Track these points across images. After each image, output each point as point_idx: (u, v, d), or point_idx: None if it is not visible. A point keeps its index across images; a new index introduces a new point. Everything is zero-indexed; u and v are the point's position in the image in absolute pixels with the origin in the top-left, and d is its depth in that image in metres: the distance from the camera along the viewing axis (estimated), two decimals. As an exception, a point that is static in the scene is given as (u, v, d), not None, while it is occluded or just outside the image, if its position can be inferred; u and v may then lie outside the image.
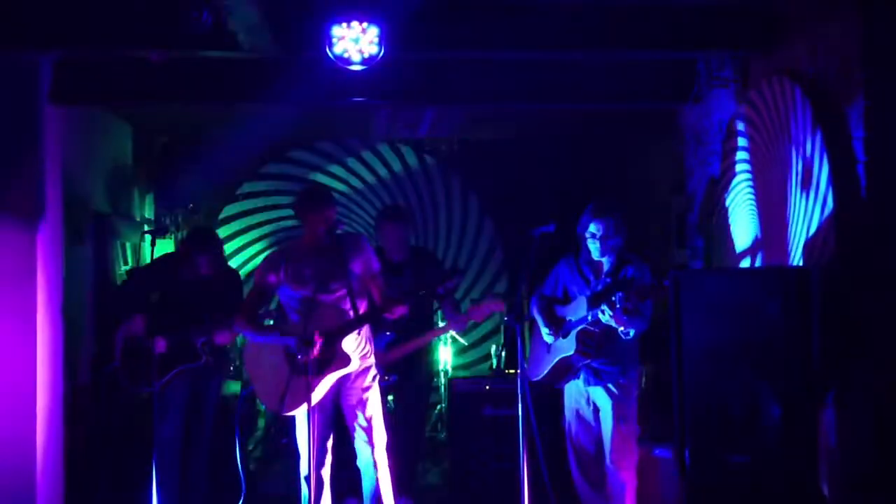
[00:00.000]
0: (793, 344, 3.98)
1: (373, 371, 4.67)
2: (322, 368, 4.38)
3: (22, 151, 5.25)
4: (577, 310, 4.74)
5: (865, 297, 3.94)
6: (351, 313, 4.47)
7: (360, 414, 4.58)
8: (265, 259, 4.81)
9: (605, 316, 4.50)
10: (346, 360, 4.43)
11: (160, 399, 5.05)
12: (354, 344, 4.56)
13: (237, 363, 6.34)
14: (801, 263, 4.32)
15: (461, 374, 7.40)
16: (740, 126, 5.04)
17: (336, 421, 4.68)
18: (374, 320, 4.64)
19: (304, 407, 4.33)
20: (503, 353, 6.47)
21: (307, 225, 4.63)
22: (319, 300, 4.48)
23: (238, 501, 5.19)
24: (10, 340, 5.18)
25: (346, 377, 4.56)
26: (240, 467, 5.13)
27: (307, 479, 4.46)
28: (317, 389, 4.37)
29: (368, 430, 4.57)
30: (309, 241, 4.63)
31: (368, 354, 4.67)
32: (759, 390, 4.00)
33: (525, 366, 4.34)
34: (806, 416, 4.00)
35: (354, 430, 4.60)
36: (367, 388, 4.61)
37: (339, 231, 4.64)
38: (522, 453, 4.15)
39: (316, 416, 4.40)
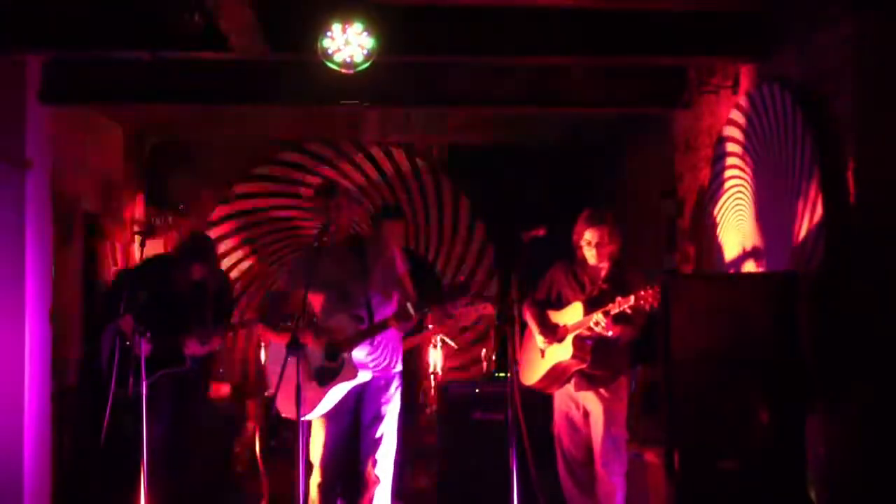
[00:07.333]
0: (781, 349, 4.00)
1: (395, 382, 4.46)
2: (326, 379, 4.27)
3: (9, 151, 5.23)
4: (573, 315, 4.74)
5: (854, 302, 3.96)
6: (366, 323, 4.33)
7: (373, 428, 4.39)
8: (290, 265, 4.64)
9: (602, 324, 4.53)
10: (352, 373, 4.27)
11: (147, 401, 5.02)
12: (372, 354, 4.37)
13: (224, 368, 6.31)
14: (790, 268, 4.34)
15: (451, 377, 7.38)
16: (730, 132, 5.05)
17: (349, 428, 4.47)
18: (381, 331, 4.42)
19: (320, 415, 4.29)
20: (493, 357, 6.46)
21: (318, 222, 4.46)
22: (335, 307, 4.38)
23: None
24: (-1, 341, 5.17)
25: (366, 387, 4.38)
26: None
27: (320, 485, 4.37)
28: (324, 400, 4.27)
29: (376, 446, 4.39)
30: (327, 243, 4.38)
31: (392, 364, 4.46)
32: (747, 395, 4.01)
33: (515, 369, 4.34)
34: (794, 421, 4.01)
35: (364, 440, 4.41)
36: (387, 402, 4.41)
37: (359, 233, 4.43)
38: (512, 457, 4.14)
39: (327, 426, 4.36)
